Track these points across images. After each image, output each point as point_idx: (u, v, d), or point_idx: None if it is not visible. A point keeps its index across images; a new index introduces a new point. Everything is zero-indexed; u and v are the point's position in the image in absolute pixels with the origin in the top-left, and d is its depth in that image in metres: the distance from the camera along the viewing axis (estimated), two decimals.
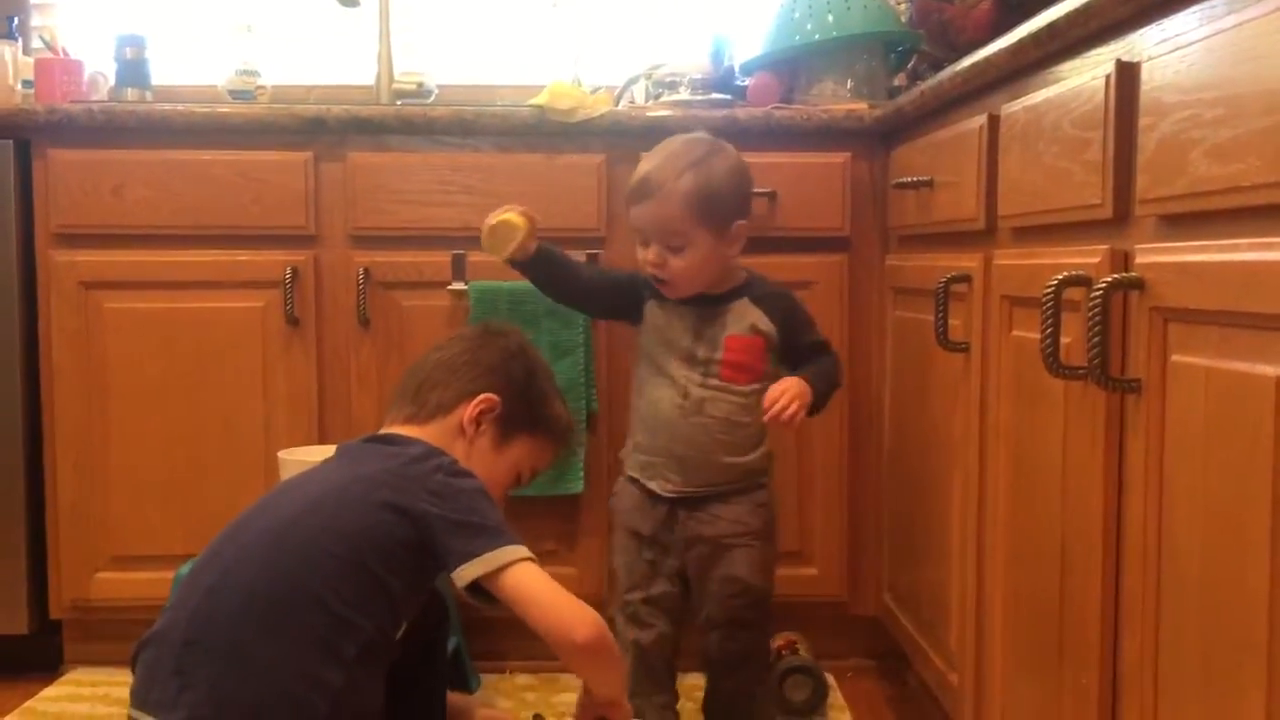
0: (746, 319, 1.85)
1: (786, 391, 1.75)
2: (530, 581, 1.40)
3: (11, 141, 2.18)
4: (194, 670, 1.30)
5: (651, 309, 1.89)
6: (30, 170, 2.21)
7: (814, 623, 2.24)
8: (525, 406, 1.63)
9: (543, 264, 1.90)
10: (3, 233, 2.18)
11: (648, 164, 1.83)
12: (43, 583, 2.25)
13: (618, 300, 1.94)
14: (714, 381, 1.83)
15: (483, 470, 1.52)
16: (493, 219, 1.85)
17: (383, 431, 1.59)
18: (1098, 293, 1.13)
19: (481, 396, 1.58)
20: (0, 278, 2.18)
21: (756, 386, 1.83)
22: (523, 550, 1.41)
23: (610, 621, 1.58)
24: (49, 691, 2.17)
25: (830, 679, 2.13)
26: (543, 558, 2.15)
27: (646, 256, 1.83)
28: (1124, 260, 1.19)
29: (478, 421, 1.58)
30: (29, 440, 2.22)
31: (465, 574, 1.39)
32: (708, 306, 1.85)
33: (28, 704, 2.11)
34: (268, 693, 1.28)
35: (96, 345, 2.21)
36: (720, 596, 1.83)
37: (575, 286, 1.96)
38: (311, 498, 1.42)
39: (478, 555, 1.38)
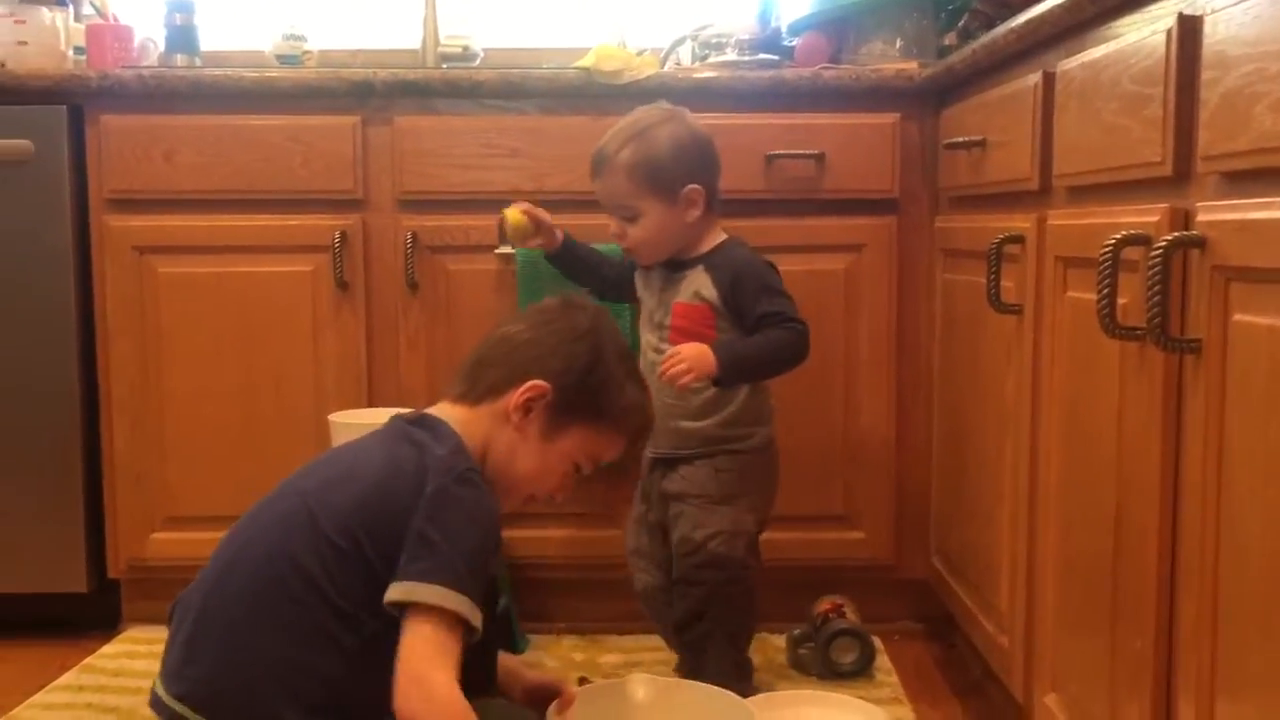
0: (694, 286, 1.90)
1: (682, 356, 1.80)
2: (418, 637, 1.22)
3: (65, 107, 2.20)
4: (201, 644, 1.30)
5: (636, 276, 2.01)
6: (84, 136, 2.23)
7: (861, 586, 2.24)
8: (585, 394, 1.44)
9: (566, 255, 2.04)
10: (58, 198, 2.20)
11: (603, 138, 1.90)
12: (101, 543, 2.29)
13: (629, 283, 2.04)
14: (665, 347, 1.87)
15: (530, 461, 1.42)
16: (504, 216, 1.99)
17: (430, 411, 1.46)
18: (1157, 252, 1.11)
19: (530, 384, 1.42)
20: (56, 243, 2.21)
21: None
22: (448, 599, 1.22)
23: None
24: (107, 649, 2.21)
25: (877, 642, 2.13)
26: (580, 520, 2.20)
27: (610, 228, 1.92)
28: (1184, 219, 1.17)
29: (525, 409, 1.42)
30: (86, 403, 2.26)
31: (389, 592, 1.24)
32: (671, 272, 1.93)
33: (87, 660, 2.15)
34: (262, 679, 1.26)
35: (150, 309, 2.24)
36: (678, 555, 1.90)
37: (595, 275, 2.06)
38: (330, 475, 1.37)
39: (405, 579, 1.24)
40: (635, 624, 2.15)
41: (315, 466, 1.42)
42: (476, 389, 1.45)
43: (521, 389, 1.41)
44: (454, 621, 1.22)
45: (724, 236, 1.95)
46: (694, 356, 1.79)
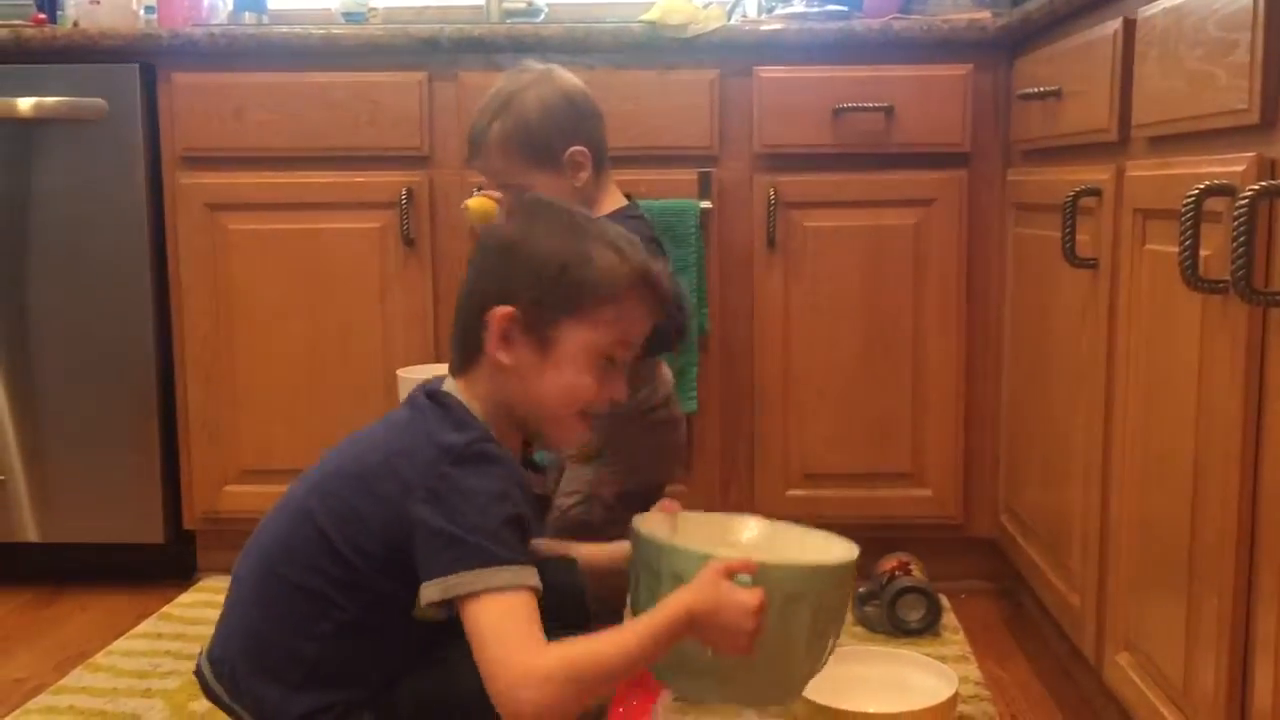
0: None
1: None
2: (486, 620, 1.12)
3: (137, 66, 2.23)
4: (230, 606, 1.31)
5: None
6: (156, 94, 2.25)
7: (928, 544, 2.22)
8: (551, 292, 1.23)
9: None
10: (132, 155, 2.24)
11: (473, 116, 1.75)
12: (176, 495, 2.34)
13: None
14: None
15: (547, 386, 1.24)
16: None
17: (443, 388, 1.31)
18: (1243, 201, 1.08)
19: (491, 316, 1.23)
20: (130, 199, 2.25)
21: None
22: (500, 576, 1.13)
23: None
24: (184, 598, 2.27)
25: (944, 600, 2.12)
26: None
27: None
28: (1271, 168, 1.14)
29: (504, 341, 1.23)
30: (161, 358, 2.30)
31: (425, 595, 1.15)
32: None
33: (164, 609, 2.21)
34: (257, 653, 1.25)
35: (222, 265, 2.27)
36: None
37: None
38: (341, 464, 1.29)
39: (440, 575, 1.14)
40: None
41: (341, 445, 1.34)
42: (459, 358, 1.29)
43: (491, 329, 1.23)
44: (508, 596, 1.13)
45: (623, 202, 1.79)
46: None
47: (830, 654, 1.28)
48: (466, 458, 1.18)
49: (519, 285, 1.23)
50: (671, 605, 1.15)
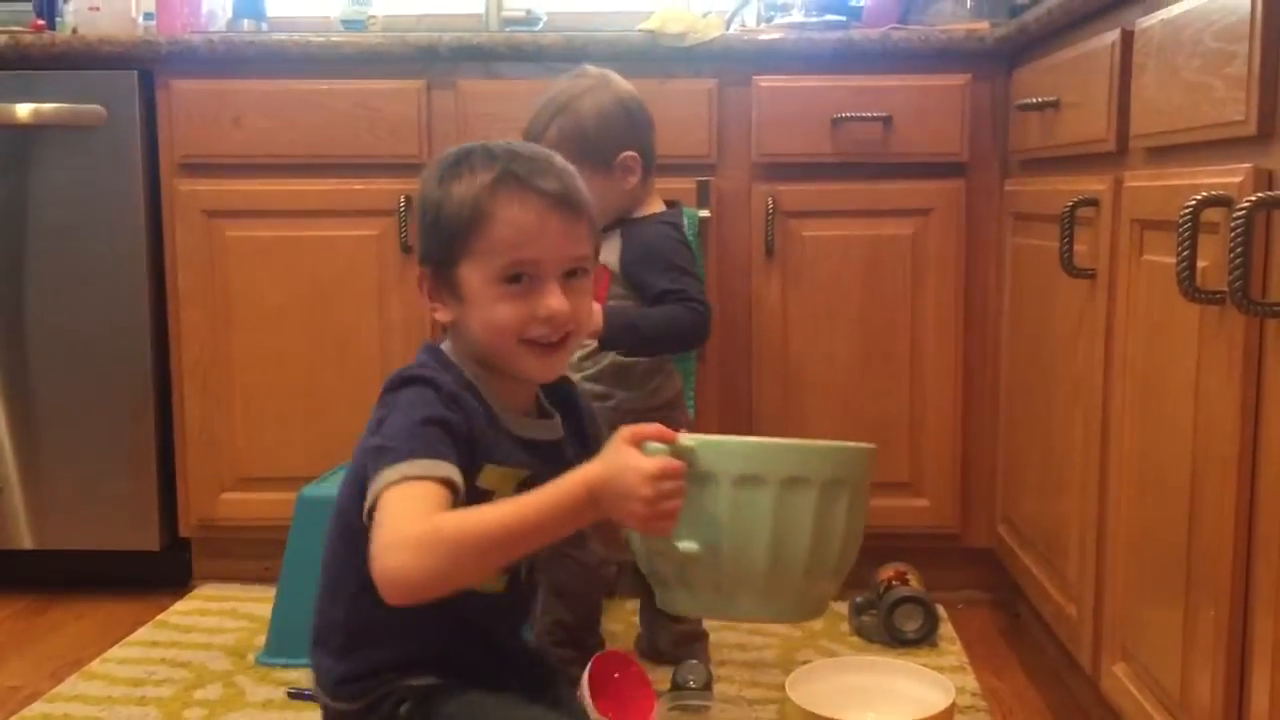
0: (606, 249, 1.80)
1: None
2: (384, 507, 1.08)
3: (135, 72, 2.23)
4: None
5: None
6: (154, 101, 2.26)
7: (925, 554, 2.22)
8: (437, 240, 1.20)
9: None
10: (130, 162, 2.24)
11: (530, 118, 1.82)
12: (172, 502, 2.33)
13: None
14: None
15: (480, 331, 1.19)
16: None
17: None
18: (1240, 213, 1.08)
19: (418, 277, 1.24)
20: (127, 206, 2.25)
21: None
22: (410, 468, 1.09)
23: None
24: (179, 605, 2.26)
25: (941, 610, 2.12)
26: None
27: None
28: (1268, 179, 1.14)
29: (430, 297, 1.23)
30: (158, 365, 2.30)
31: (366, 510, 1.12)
32: (608, 233, 1.80)
33: (160, 617, 2.20)
34: (315, 625, 1.26)
35: (219, 272, 2.27)
36: None
37: None
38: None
39: (369, 488, 1.11)
40: None
41: None
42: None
43: (421, 291, 1.24)
44: (413, 485, 1.09)
45: (661, 207, 1.88)
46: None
47: (839, 567, 1.15)
48: (402, 382, 1.18)
49: (422, 244, 1.23)
50: (569, 476, 1.08)
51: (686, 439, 1.09)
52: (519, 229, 1.17)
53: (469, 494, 1.13)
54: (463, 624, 1.23)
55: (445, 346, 1.25)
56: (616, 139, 1.81)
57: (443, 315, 1.23)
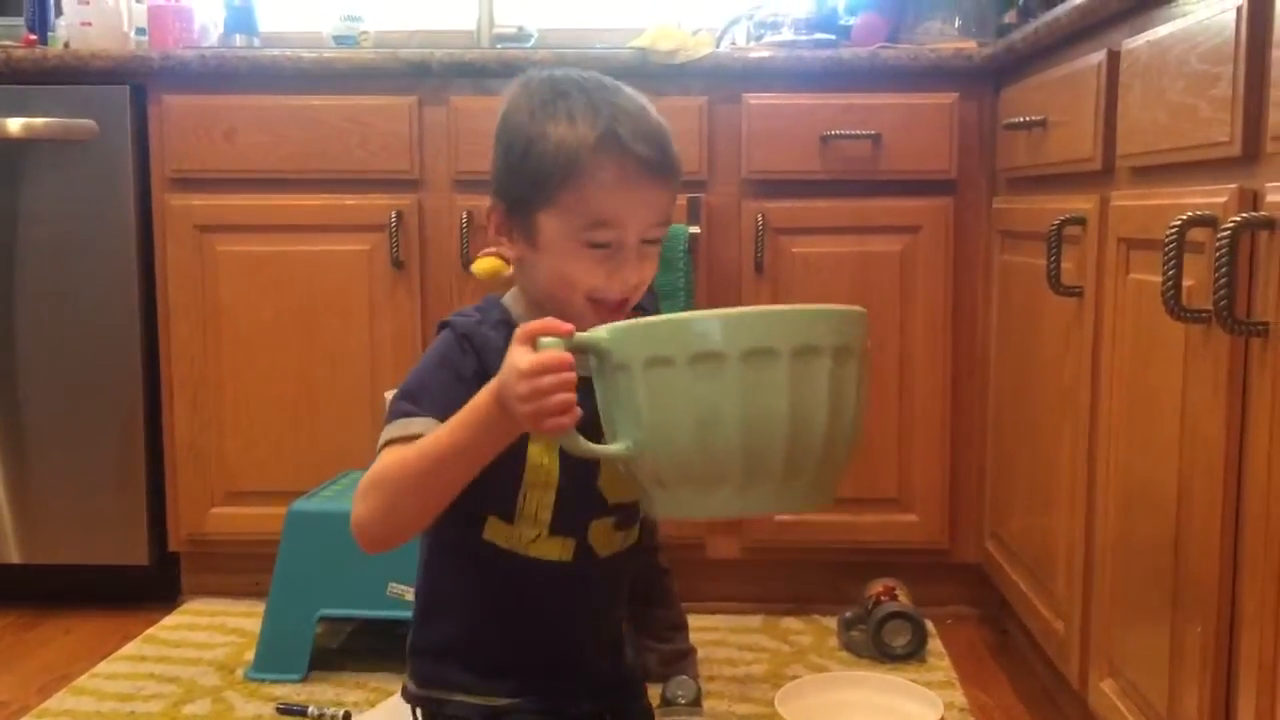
0: None
1: None
2: (375, 465, 1.11)
3: (128, 87, 2.24)
4: None
5: None
6: (146, 115, 2.26)
7: (913, 570, 2.23)
8: (521, 180, 1.15)
9: None
10: (121, 176, 2.24)
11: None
12: (161, 516, 2.33)
13: None
14: None
15: (546, 279, 1.16)
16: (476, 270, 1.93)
17: None
18: (1225, 232, 1.10)
19: (488, 210, 1.20)
20: (119, 220, 2.25)
21: None
22: (386, 433, 1.11)
23: None
24: (168, 620, 2.26)
25: (930, 625, 2.13)
26: None
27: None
28: (1253, 199, 1.15)
29: (504, 237, 1.19)
30: (148, 379, 2.29)
31: None
32: None
33: (149, 631, 2.20)
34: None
35: (210, 287, 2.27)
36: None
37: None
38: None
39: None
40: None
41: None
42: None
43: (490, 224, 1.21)
44: (388, 451, 1.10)
45: None
46: None
47: (813, 442, 1.01)
48: (436, 333, 1.19)
49: (501, 177, 1.18)
50: (483, 389, 1.05)
51: (600, 330, 1.02)
52: (612, 195, 1.12)
53: None
54: (531, 605, 1.21)
55: (511, 298, 1.22)
56: None
57: (509, 251, 1.20)
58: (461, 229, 2.21)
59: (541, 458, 1.16)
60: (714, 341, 0.98)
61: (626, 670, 1.35)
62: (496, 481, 1.14)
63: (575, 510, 1.18)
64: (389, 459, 1.09)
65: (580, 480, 1.17)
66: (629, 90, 1.17)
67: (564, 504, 1.17)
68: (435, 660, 1.24)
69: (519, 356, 0.99)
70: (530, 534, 1.18)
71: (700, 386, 0.97)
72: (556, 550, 1.19)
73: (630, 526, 1.24)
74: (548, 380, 0.97)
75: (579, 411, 0.99)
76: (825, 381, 1.01)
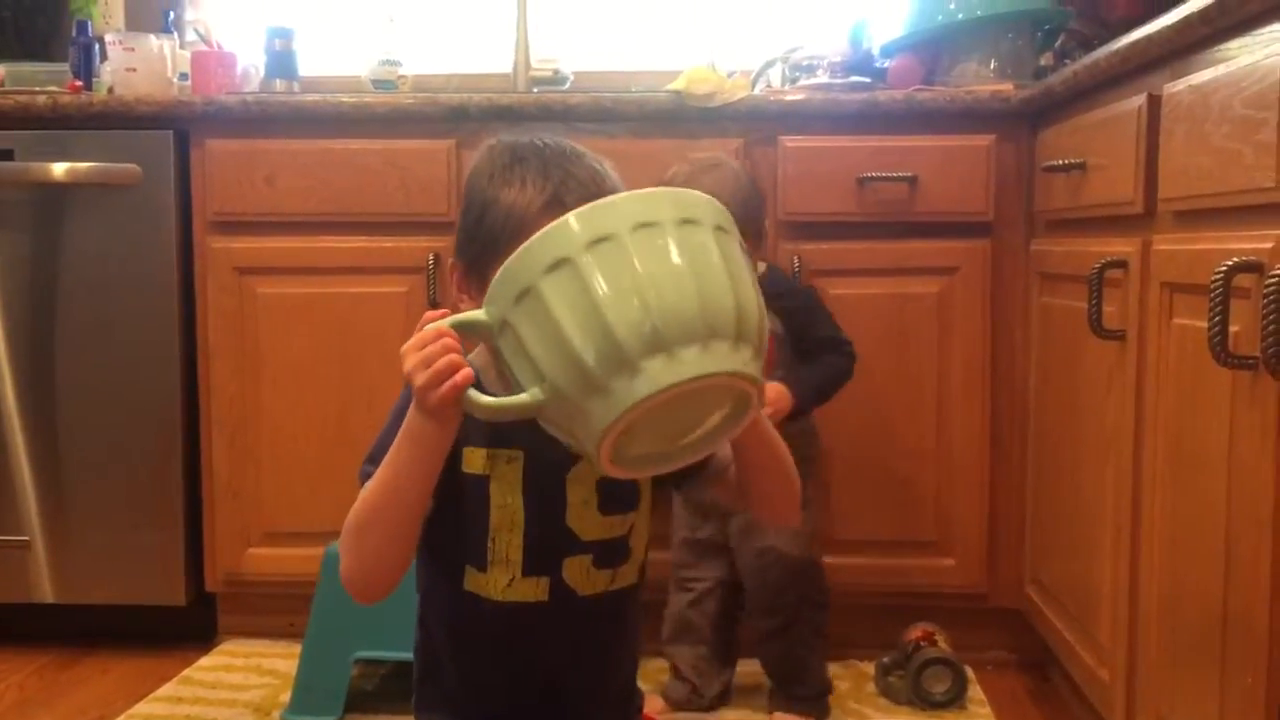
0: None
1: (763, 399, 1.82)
2: None
3: (171, 132, 2.27)
4: None
5: None
6: (189, 160, 2.29)
7: (952, 614, 2.20)
8: (476, 241, 1.17)
9: None
10: (164, 220, 2.27)
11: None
12: (199, 557, 2.34)
13: None
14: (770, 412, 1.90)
15: None
16: None
17: None
18: (1273, 279, 1.09)
19: (448, 266, 1.25)
20: (162, 263, 2.27)
21: (767, 377, 1.90)
22: (364, 469, 1.15)
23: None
24: (204, 661, 2.26)
25: (969, 672, 2.10)
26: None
27: None
28: None
29: (463, 293, 1.21)
30: (187, 418, 2.31)
31: None
32: None
33: (185, 672, 2.20)
34: None
35: (250, 328, 2.29)
36: (758, 567, 1.96)
37: None
38: None
39: None
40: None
41: None
42: None
43: (450, 280, 1.24)
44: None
45: (763, 264, 2.01)
46: (773, 398, 1.86)
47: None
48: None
49: (461, 237, 1.21)
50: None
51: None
52: None
53: (457, 481, 1.15)
54: (519, 654, 1.21)
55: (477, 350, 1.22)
56: (763, 211, 1.99)
57: (467, 306, 1.20)
58: None
59: (505, 497, 1.17)
60: (560, 247, 0.97)
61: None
62: (466, 530, 1.17)
63: (546, 549, 1.19)
64: (352, 509, 1.12)
65: (547, 518, 1.18)
66: (591, 159, 1.19)
67: (533, 543, 1.18)
68: (434, 714, 1.25)
69: (404, 345, 1.04)
70: (504, 578, 1.18)
71: (565, 291, 0.96)
72: (532, 591, 1.19)
73: (616, 566, 1.22)
74: (430, 348, 1.02)
75: (470, 371, 1.02)
76: (695, 241, 0.98)
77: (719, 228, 1.01)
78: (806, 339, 1.97)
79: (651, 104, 2.24)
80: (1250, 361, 1.16)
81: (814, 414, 2.04)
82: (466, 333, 1.03)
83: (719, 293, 0.96)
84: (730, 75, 2.34)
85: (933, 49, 2.37)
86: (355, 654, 1.97)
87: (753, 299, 0.99)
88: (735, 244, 1.02)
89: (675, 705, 2.00)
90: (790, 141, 2.20)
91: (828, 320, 2.00)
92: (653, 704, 1.98)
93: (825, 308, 2.02)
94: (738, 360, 0.97)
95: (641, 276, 0.95)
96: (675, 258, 0.96)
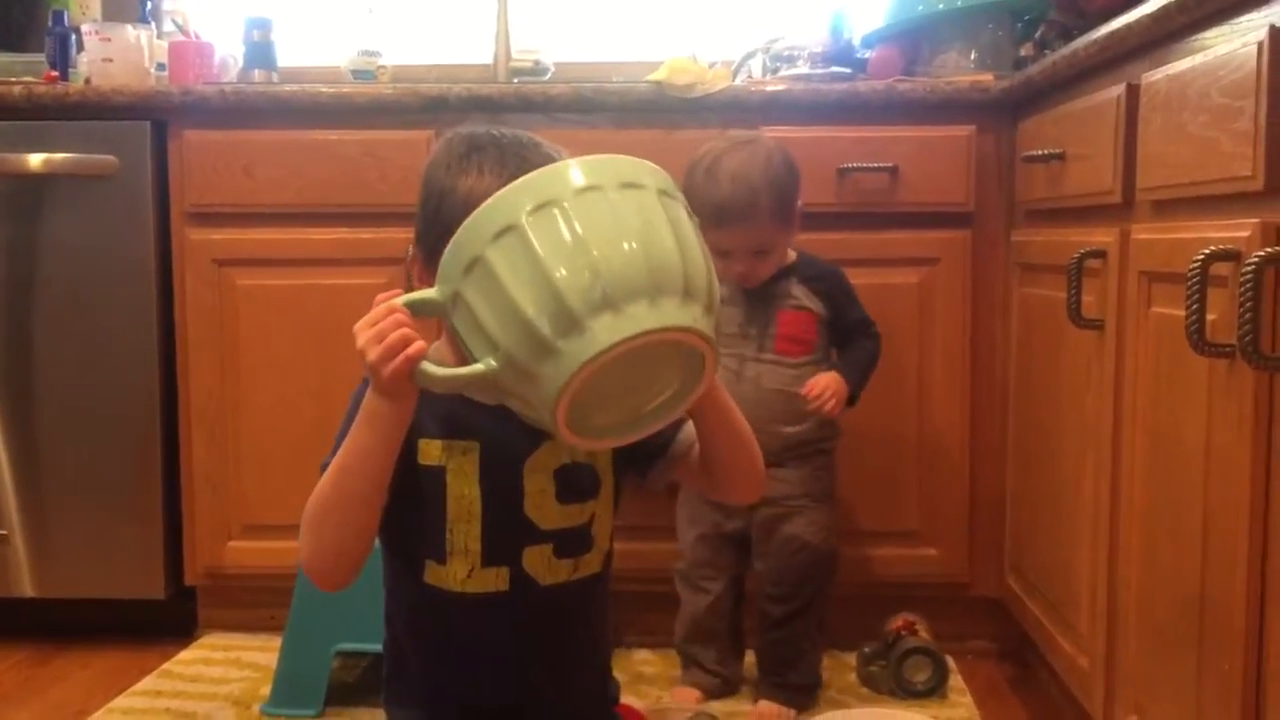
0: (794, 296, 1.97)
1: (827, 388, 1.90)
2: None
3: (149, 123, 2.25)
4: None
5: None
6: (166, 150, 2.27)
7: (933, 604, 2.21)
8: (435, 230, 1.15)
9: None
10: (141, 211, 2.25)
11: (718, 188, 1.87)
12: (178, 550, 2.32)
13: None
14: (769, 356, 1.95)
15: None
16: None
17: None
18: (1249, 268, 1.09)
19: (407, 255, 1.27)
20: (139, 255, 2.26)
21: (808, 359, 1.96)
22: (325, 460, 1.16)
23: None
24: (184, 655, 2.25)
25: (950, 661, 2.10)
26: (641, 532, 2.15)
27: (733, 268, 1.91)
28: (1276, 233, 1.14)
29: (425, 284, 1.17)
30: (165, 411, 2.30)
31: None
32: (756, 289, 1.97)
33: (165, 666, 2.19)
34: None
35: (229, 320, 2.27)
36: (782, 555, 1.97)
37: None
38: None
39: None
40: None
41: None
42: None
43: (410, 269, 1.27)
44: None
45: (791, 251, 2.02)
46: (835, 388, 1.91)
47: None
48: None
49: (420, 227, 1.23)
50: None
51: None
52: None
53: (414, 473, 1.14)
54: (482, 645, 1.20)
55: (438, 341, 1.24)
56: (798, 191, 1.96)
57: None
58: None
59: (462, 488, 1.17)
60: (505, 215, 0.98)
61: (610, 717, 1.33)
62: (424, 523, 1.17)
63: (505, 539, 1.19)
64: (311, 495, 1.13)
65: (505, 508, 1.18)
66: (548, 148, 1.20)
67: (491, 533, 1.18)
68: (404, 708, 1.25)
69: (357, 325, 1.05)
70: (463, 570, 1.18)
71: (512, 257, 0.97)
72: (492, 582, 1.19)
73: (578, 555, 1.22)
74: (381, 324, 1.04)
75: (423, 344, 1.03)
76: (637, 203, 0.99)
77: (663, 192, 1.02)
78: (842, 320, 2.00)
79: (632, 95, 2.24)
80: (1227, 349, 1.17)
81: None
82: (420, 311, 1.04)
83: (663, 251, 0.97)
84: (711, 66, 2.33)
85: (913, 39, 2.37)
86: (336, 647, 1.96)
87: (700, 259, 1.00)
88: (681, 209, 1.02)
89: (710, 696, 2.02)
90: (771, 132, 2.19)
91: (858, 303, 2.03)
92: (686, 696, 2.01)
93: (854, 292, 2.03)
94: (686, 315, 0.97)
95: (585, 237, 0.96)
96: (618, 218, 0.97)
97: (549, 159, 1.17)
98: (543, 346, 0.95)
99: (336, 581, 1.14)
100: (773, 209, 1.89)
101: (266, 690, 2.01)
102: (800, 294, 1.97)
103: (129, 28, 2.42)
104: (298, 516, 2.27)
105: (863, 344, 2.01)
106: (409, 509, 1.16)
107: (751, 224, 1.88)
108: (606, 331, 0.94)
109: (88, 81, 2.39)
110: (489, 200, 0.99)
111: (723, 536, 2.02)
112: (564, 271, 0.95)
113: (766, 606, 2.00)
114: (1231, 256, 1.17)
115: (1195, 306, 1.18)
